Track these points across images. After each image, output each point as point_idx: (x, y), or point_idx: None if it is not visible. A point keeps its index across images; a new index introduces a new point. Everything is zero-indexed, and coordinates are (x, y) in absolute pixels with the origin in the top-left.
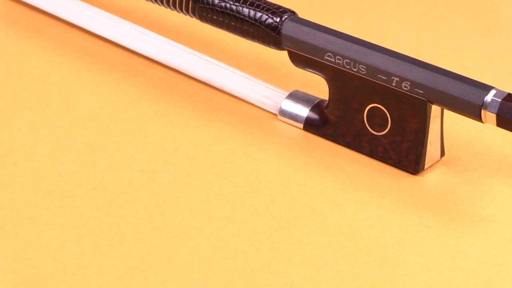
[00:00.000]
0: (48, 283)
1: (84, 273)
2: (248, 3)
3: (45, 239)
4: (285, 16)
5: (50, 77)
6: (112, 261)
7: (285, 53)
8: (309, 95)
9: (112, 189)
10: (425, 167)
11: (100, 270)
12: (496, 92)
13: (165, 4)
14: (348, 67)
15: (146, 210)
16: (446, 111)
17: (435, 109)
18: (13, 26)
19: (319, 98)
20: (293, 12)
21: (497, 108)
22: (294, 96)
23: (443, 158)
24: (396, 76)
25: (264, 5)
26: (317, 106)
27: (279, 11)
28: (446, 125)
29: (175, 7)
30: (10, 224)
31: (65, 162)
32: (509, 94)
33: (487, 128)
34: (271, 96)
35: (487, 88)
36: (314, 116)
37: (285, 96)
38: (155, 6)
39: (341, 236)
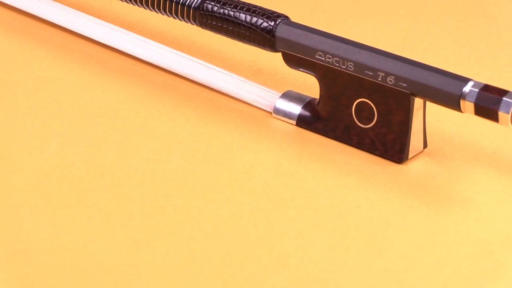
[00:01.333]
0: (62, 253)
1: (94, 244)
2: (244, 9)
3: (58, 217)
4: (279, 20)
5: (61, 81)
6: (120, 235)
7: (278, 61)
8: (301, 94)
9: (120, 175)
10: (409, 157)
11: (109, 242)
12: (474, 83)
13: (168, 13)
14: (338, 64)
15: (151, 192)
16: (428, 106)
17: (418, 102)
18: (26, 37)
19: (310, 97)
20: (286, 17)
21: (475, 98)
22: (287, 95)
23: (425, 150)
24: (382, 72)
25: (260, 10)
26: (308, 103)
27: (273, 15)
28: (429, 122)
29: (177, 15)
30: (25, 204)
31: (76, 152)
32: (485, 85)
33: (467, 124)
34: (266, 96)
35: (465, 80)
36: (306, 113)
37: (279, 96)
38: (158, 19)
39: (331, 214)
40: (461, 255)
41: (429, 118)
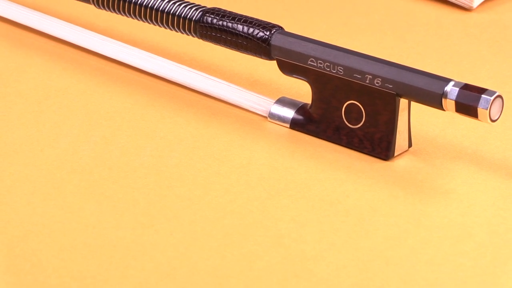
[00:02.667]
0: (72, 233)
1: (103, 226)
2: (242, 21)
3: (69, 203)
4: (274, 30)
5: (70, 89)
6: (126, 218)
7: (273, 73)
8: (294, 100)
9: (126, 168)
10: (395, 155)
11: (117, 224)
12: (454, 83)
13: (170, 27)
14: (328, 69)
15: (155, 183)
16: (412, 111)
17: (403, 103)
18: (38, 52)
19: (303, 102)
20: (280, 27)
21: (455, 96)
22: (281, 101)
23: (410, 149)
24: (369, 74)
25: (256, 22)
26: (301, 108)
27: (268, 26)
28: (413, 125)
29: (179, 29)
30: (39, 192)
31: (84, 150)
32: (466, 84)
33: (449, 127)
34: (261, 103)
35: (447, 80)
36: (299, 116)
37: (274, 102)
38: (160, 36)
39: (322, 202)
40: (443, 236)
41: (414, 121)
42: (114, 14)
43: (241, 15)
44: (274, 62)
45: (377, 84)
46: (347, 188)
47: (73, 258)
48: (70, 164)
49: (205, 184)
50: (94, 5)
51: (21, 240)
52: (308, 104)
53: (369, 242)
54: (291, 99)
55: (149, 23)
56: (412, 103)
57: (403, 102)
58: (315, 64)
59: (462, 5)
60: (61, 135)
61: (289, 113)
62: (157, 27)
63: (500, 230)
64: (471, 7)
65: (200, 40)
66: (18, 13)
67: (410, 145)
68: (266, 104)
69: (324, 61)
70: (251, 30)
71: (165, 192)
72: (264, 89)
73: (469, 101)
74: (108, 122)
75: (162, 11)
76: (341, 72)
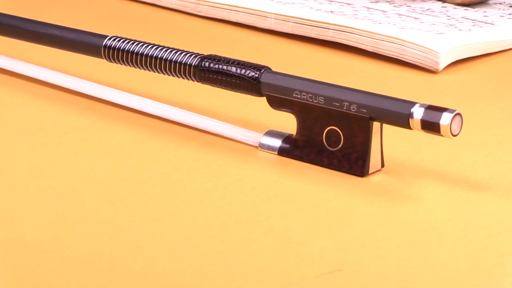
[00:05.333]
0: (89, 226)
1: (116, 220)
2: (235, 63)
3: (87, 204)
4: (263, 70)
5: (86, 127)
6: (136, 215)
7: (264, 116)
8: (281, 131)
9: (136, 181)
10: (369, 172)
11: (128, 219)
12: (419, 105)
13: (173, 73)
14: (311, 100)
15: (161, 191)
16: (384, 139)
17: (376, 126)
18: (55, 101)
19: (288, 133)
20: (268, 67)
21: (421, 115)
22: (270, 133)
23: (382, 169)
24: (346, 101)
25: (247, 63)
26: (287, 137)
27: (258, 66)
28: (386, 150)
29: (180, 74)
30: (61, 198)
31: (99, 168)
32: (429, 105)
33: (418, 153)
34: (253, 136)
35: (412, 103)
36: (285, 145)
37: (263, 134)
38: (160, 87)
39: (307, 206)
40: (412, 229)
41: (386, 148)
42: (123, 68)
43: (234, 59)
44: (263, 101)
45: (353, 110)
46: (328, 195)
47: (90, 248)
48: (87, 178)
49: (205, 192)
50: (106, 59)
51: (42, 241)
52: (293, 134)
53: (347, 232)
54: (278, 131)
55: (154, 71)
56: (384, 127)
57: (376, 125)
58: (299, 96)
59: (429, 68)
60: (79, 158)
61: (277, 143)
62: (162, 79)
63: (461, 225)
64: (437, 69)
65: (199, 90)
66: (39, 72)
67: (382, 165)
68: (256, 137)
69: (307, 93)
70: (243, 71)
71: (170, 197)
72: (255, 127)
73: (433, 118)
74: (119, 149)
75: (166, 60)
76: (322, 101)
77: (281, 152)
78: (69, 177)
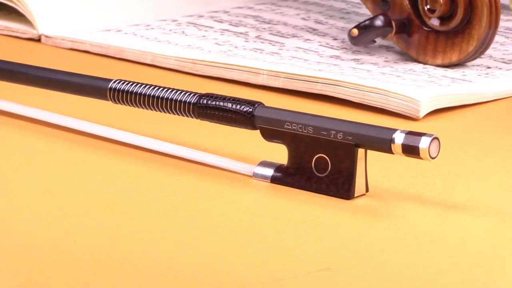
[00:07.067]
0: (98, 236)
1: (122, 231)
2: (231, 100)
3: (94, 219)
4: (256, 105)
5: (92, 160)
6: (140, 226)
7: (258, 150)
8: (273, 162)
9: (143, 207)
10: (355, 196)
11: (133, 229)
12: (400, 131)
13: (173, 111)
14: (301, 130)
15: (164, 209)
16: (369, 167)
17: (360, 152)
18: (64, 140)
19: (279, 163)
20: (261, 103)
21: (402, 140)
22: (263, 163)
23: (367, 193)
24: (333, 130)
25: (241, 100)
26: (279, 167)
27: (252, 102)
28: (370, 178)
29: (180, 112)
30: (70, 213)
31: (107, 190)
32: (409, 131)
33: (400, 181)
34: (247, 167)
35: (394, 130)
36: (277, 173)
37: (257, 165)
38: (158, 128)
39: (296, 221)
40: (393, 238)
41: (370, 178)
42: (126, 109)
43: (230, 96)
44: (256, 136)
45: (339, 138)
46: (317, 213)
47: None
48: (95, 198)
49: (204, 210)
50: (111, 100)
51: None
52: (284, 164)
53: (334, 239)
54: (271, 162)
55: (156, 110)
56: (368, 158)
57: (360, 152)
58: (290, 127)
59: (411, 115)
60: (87, 183)
61: (270, 172)
62: (163, 120)
63: (439, 236)
64: (418, 116)
65: (196, 132)
66: (48, 115)
67: (367, 190)
68: (250, 168)
69: (297, 124)
70: (238, 106)
71: (172, 213)
72: (248, 160)
73: (412, 142)
74: (124, 177)
75: (167, 99)
76: (311, 131)
77: (274, 180)
78: (78, 197)
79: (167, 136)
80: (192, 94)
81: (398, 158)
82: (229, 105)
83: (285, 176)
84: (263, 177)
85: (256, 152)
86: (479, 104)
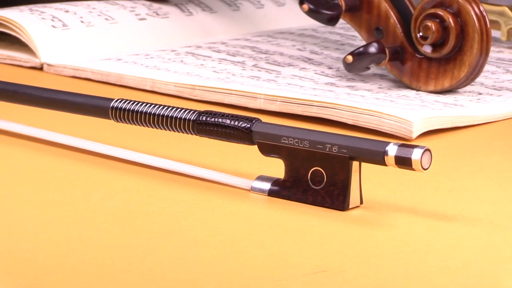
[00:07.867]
0: (94, 239)
1: (125, 237)
2: (229, 116)
3: (97, 227)
4: (254, 121)
5: (94, 176)
6: (141, 234)
7: (255, 166)
8: (270, 176)
9: (144, 217)
10: (349, 207)
11: (136, 236)
12: (393, 143)
13: (173, 128)
14: (297, 144)
15: (165, 218)
16: (363, 180)
17: (355, 165)
18: (67, 158)
19: (276, 177)
20: (258, 119)
21: (395, 152)
22: (260, 178)
23: (361, 205)
24: (328, 144)
25: (239, 116)
26: (276, 181)
27: (250, 118)
28: (364, 195)
29: (180, 129)
30: (75, 223)
31: (108, 203)
32: (401, 143)
33: (393, 194)
34: (245, 182)
35: (387, 142)
36: (275, 187)
37: (254, 179)
38: (159, 146)
39: (293, 229)
40: (387, 244)
41: (364, 192)
42: (128, 127)
43: (228, 113)
44: (253, 152)
45: (334, 151)
46: (313, 222)
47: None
48: (98, 209)
49: (203, 219)
50: (113, 119)
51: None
52: (281, 178)
53: (330, 245)
54: (268, 176)
55: (157, 128)
56: (362, 175)
57: (355, 164)
58: (287, 142)
59: (403, 136)
60: (90, 196)
61: (267, 185)
62: (163, 139)
63: (431, 243)
64: (411, 137)
65: (196, 150)
66: (52, 135)
67: (361, 202)
68: (248, 182)
69: (294, 138)
70: (236, 122)
71: (173, 222)
72: (246, 176)
73: (405, 154)
74: (126, 190)
75: (167, 116)
76: (307, 145)
77: (271, 193)
78: (81, 208)
79: (168, 154)
80: (192, 112)
81: (391, 173)
82: (228, 121)
83: (282, 189)
84: (261, 190)
85: (254, 168)
86: (471, 126)
